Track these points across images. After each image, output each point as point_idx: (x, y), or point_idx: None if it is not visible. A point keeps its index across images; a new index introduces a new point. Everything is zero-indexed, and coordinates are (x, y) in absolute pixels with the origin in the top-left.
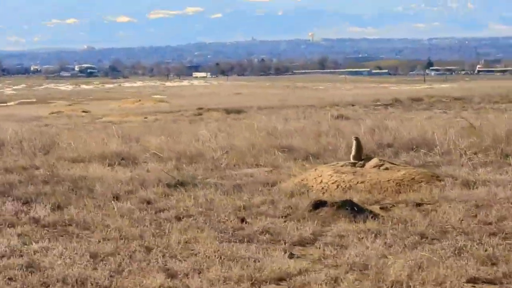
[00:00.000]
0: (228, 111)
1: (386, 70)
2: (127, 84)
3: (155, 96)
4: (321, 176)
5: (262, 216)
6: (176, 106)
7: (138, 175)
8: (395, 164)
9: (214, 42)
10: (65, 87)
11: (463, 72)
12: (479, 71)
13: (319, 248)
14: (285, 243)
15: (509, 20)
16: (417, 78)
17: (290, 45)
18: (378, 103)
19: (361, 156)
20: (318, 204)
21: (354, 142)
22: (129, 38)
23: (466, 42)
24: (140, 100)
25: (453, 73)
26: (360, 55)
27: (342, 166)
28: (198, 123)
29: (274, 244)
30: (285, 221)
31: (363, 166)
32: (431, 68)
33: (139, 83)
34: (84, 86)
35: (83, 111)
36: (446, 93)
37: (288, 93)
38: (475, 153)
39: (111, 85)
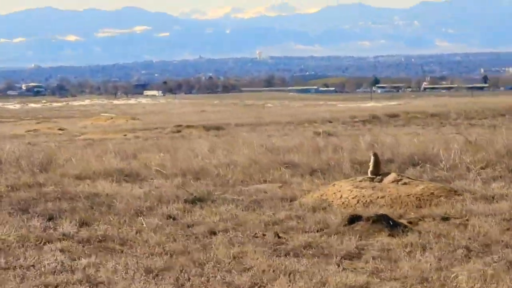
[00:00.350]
0: (207, 128)
1: (333, 88)
2: (75, 103)
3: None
4: (340, 191)
5: (293, 231)
6: (150, 124)
7: (154, 191)
8: (412, 179)
9: (162, 60)
10: (13, 106)
11: (409, 89)
12: (425, 88)
13: (369, 261)
14: (336, 257)
15: (453, 37)
16: (361, 95)
17: (237, 63)
18: (356, 119)
19: (379, 171)
20: (354, 219)
21: (372, 158)
22: (77, 57)
23: (412, 59)
24: (112, 118)
25: (400, 90)
26: (307, 73)
27: (360, 181)
28: (182, 140)
29: (322, 258)
30: (322, 236)
31: (381, 181)
32: (377, 85)
33: (87, 102)
34: (32, 105)
35: (59, 129)
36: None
37: (257, 110)
38: (482, 168)
39: (59, 104)
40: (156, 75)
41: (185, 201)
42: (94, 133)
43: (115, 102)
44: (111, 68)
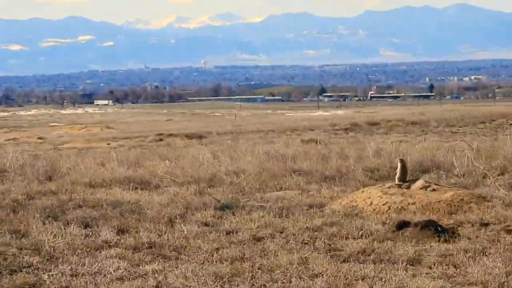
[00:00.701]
0: (189, 137)
1: (280, 97)
2: (22, 113)
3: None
4: (370, 197)
5: (336, 237)
6: (127, 133)
7: (179, 198)
8: (440, 186)
9: (107, 70)
10: None
11: (356, 98)
12: (372, 97)
13: (432, 267)
14: (401, 263)
15: (398, 46)
16: (308, 104)
17: (182, 73)
18: (336, 127)
19: (406, 177)
20: (402, 225)
21: (399, 164)
22: (21, 67)
23: (358, 68)
24: (86, 127)
25: (346, 99)
26: (252, 82)
27: (389, 187)
28: (172, 148)
29: (385, 264)
30: (372, 242)
31: (409, 187)
32: (324, 94)
33: (34, 111)
34: None
35: (39, 138)
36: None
37: (229, 119)
38: (499, 175)
39: (6, 114)
40: (101, 84)
41: (214, 208)
42: (76, 142)
43: (63, 112)
44: (56, 77)
